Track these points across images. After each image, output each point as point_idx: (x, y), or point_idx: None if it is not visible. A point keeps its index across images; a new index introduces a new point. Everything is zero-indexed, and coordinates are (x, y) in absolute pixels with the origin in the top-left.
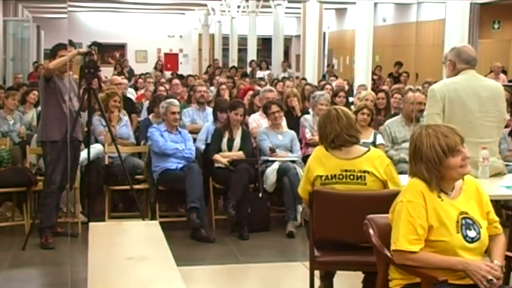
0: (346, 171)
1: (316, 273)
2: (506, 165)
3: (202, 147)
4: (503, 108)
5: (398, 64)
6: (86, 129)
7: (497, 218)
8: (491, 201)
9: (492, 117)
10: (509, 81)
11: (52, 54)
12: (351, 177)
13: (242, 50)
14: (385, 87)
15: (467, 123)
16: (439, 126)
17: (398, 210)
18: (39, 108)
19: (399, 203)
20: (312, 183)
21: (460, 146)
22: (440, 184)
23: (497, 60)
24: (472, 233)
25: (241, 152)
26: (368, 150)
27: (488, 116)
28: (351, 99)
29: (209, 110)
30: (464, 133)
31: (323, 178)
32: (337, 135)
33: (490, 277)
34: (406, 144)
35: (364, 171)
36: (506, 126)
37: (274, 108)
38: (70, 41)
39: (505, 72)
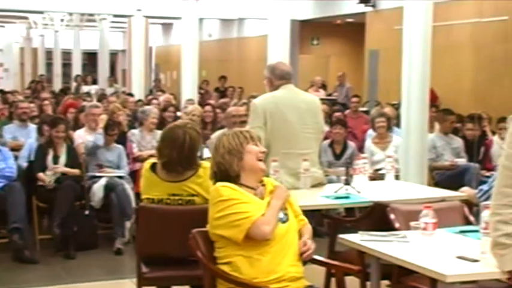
0: (173, 195)
1: None
2: (326, 175)
3: (25, 164)
4: (321, 120)
5: (223, 78)
6: None
7: (300, 211)
8: (313, 210)
9: (310, 129)
10: (328, 95)
11: None
12: (180, 201)
13: (67, 65)
14: (212, 101)
15: (289, 135)
16: None
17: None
18: None
19: (221, 202)
20: None
21: (259, 142)
22: (242, 177)
23: (316, 75)
24: (280, 215)
25: (76, 170)
26: (196, 171)
27: (307, 128)
28: (179, 113)
29: (32, 126)
30: (287, 145)
31: (150, 202)
32: (171, 163)
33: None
34: None
35: (193, 195)
36: (326, 138)
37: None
38: None
39: (324, 86)
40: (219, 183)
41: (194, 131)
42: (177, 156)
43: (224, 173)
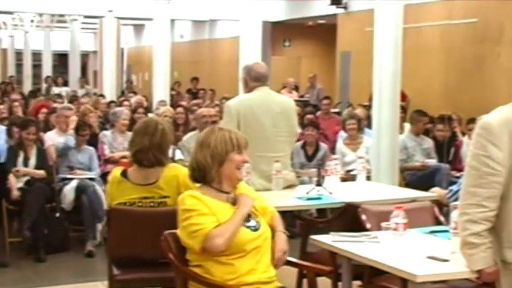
0: (145, 198)
1: None
2: (298, 177)
3: None
4: (295, 123)
5: (195, 79)
6: None
7: (266, 205)
8: (285, 211)
9: (284, 132)
10: (300, 96)
11: None
12: (151, 204)
13: (37, 66)
14: (183, 103)
15: (262, 138)
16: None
17: (185, 217)
18: None
19: (183, 211)
20: None
21: (245, 149)
22: (219, 180)
23: (288, 76)
24: (252, 223)
25: (42, 171)
26: (163, 170)
27: (281, 131)
28: (150, 115)
29: (1, 128)
30: (259, 148)
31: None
32: (142, 150)
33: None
34: None
35: (164, 197)
36: (298, 140)
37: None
38: None
39: (296, 88)
40: (187, 192)
41: (166, 124)
42: (149, 143)
43: (202, 173)
